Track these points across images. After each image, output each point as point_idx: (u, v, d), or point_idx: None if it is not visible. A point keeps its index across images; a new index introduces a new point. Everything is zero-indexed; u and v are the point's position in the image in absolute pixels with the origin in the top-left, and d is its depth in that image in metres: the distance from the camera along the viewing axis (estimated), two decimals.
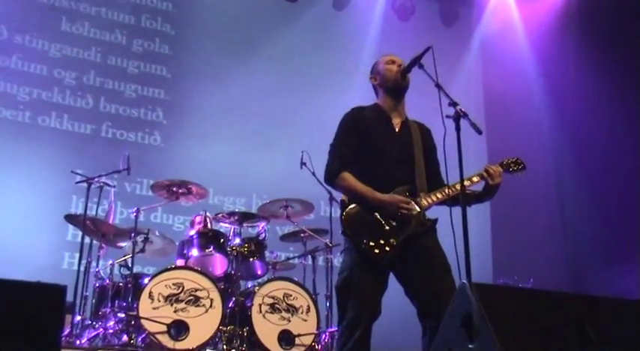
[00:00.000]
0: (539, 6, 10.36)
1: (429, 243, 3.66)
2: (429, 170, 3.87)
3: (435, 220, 3.70)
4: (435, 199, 3.71)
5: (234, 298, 5.89)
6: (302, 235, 6.73)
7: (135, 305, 5.43)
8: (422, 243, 3.62)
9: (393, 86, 3.92)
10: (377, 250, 3.52)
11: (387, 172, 3.76)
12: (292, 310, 5.86)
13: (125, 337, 5.39)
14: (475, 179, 3.79)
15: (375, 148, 3.81)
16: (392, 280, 3.70)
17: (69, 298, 5.57)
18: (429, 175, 3.84)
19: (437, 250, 3.65)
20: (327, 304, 6.37)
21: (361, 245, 3.54)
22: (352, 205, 3.67)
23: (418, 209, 3.64)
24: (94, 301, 6.11)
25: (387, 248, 3.53)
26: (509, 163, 3.96)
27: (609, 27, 9.22)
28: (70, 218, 6.32)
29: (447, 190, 3.71)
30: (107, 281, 6.06)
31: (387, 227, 3.58)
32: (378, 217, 3.60)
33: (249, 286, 6.36)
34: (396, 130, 3.90)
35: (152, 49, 9.22)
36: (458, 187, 3.57)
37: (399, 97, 3.97)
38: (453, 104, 3.42)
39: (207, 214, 6.61)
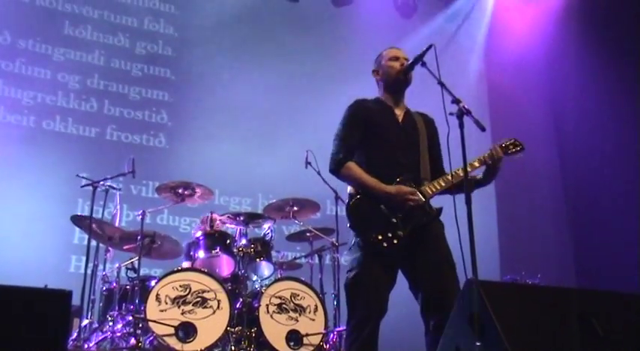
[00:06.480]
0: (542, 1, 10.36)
1: (435, 235, 3.66)
2: (431, 159, 3.88)
3: (440, 209, 3.70)
4: (438, 187, 3.72)
5: (241, 299, 5.88)
6: (308, 234, 6.74)
7: (142, 308, 5.42)
8: (428, 235, 3.62)
9: (394, 84, 3.94)
10: (385, 244, 3.52)
11: (392, 160, 3.77)
12: (300, 309, 5.84)
13: (133, 340, 5.38)
14: (476, 164, 3.80)
15: (380, 137, 3.82)
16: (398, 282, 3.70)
17: (76, 301, 5.58)
18: (431, 164, 3.85)
19: (442, 246, 3.65)
20: (335, 303, 6.39)
21: (369, 239, 3.54)
22: (358, 198, 3.67)
23: (423, 199, 3.64)
24: (101, 304, 6.11)
25: (395, 241, 3.53)
26: (508, 145, 3.93)
27: (613, 18, 9.19)
28: (76, 220, 6.32)
29: (449, 177, 3.72)
30: (114, 284, 6.07)
31: (394, 219, 3.58)
32: (384, 209, 3.60)
33: (257, 286, 6.35)
34: (399, 120, 3.91)
35: (155, 51, 9.22)
36: (459, 172, 3.58)
37: (400, 93, 4.00)
38: (457, 101, 3.41)
39: (213, 215, 6.60)
